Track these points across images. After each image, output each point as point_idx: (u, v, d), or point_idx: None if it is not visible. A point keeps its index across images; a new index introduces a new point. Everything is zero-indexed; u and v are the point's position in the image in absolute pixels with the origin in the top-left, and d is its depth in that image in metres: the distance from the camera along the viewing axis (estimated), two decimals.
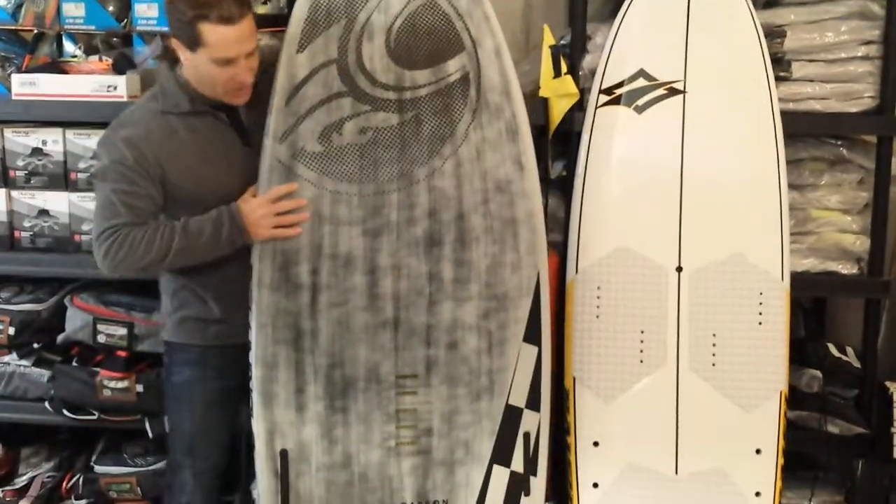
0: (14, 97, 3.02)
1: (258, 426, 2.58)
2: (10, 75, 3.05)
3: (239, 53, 2.32)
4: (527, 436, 2.69)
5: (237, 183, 2.48)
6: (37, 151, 3.10)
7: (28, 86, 3.00)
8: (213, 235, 2.39)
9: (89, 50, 3.22)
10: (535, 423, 2.70)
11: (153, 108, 2.45)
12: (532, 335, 2.64)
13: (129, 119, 2.45)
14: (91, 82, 2.97)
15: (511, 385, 2.64)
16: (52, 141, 3.06)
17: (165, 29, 2.60)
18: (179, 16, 2.29)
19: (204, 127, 2.47)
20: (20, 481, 3.34)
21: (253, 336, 2.54)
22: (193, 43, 2.30)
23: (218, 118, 2.49)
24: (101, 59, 3.11)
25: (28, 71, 3.11)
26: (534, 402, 2.68)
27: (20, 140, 3.09)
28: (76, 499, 3.27)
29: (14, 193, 3.12)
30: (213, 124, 2.48)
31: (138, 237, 2.35)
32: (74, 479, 3.31)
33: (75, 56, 3.21)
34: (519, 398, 2.66)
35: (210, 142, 2.47)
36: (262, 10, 3.04)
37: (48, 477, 3.36)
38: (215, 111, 2.48)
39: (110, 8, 3.13)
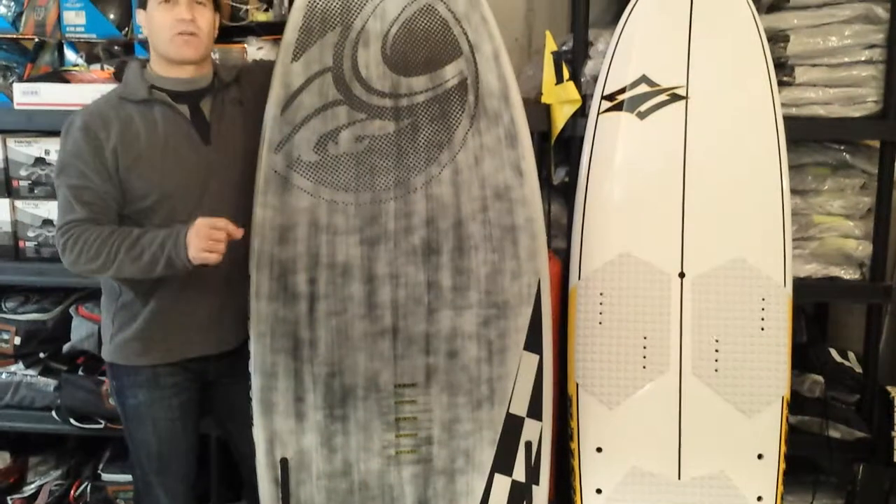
0: (16, 106, 2.94)
1: (258, 435, 2.50)
2: (11, 84, 2.97)
3: None
4: (528, 444, 2.60)
5: (189, 180, 2.34)
6: (40, 161, 3.00)
7: (30, 95, 2.92)
8: (157, 251, 2.22)
9: (91, 58, 3.13)
10: (537, 431, 2.61)
11: (113, 96, 2.40)
12: (533, 343, 2.55)
13: (91, 108, 2.39)
14: (93, 91, 2.83)
15: (512, 394, 2.55)
16: (55, 151, 2.88)
17: None
18: None
19: (161, 118, 2.36)
20: (28, 489, 3.27)
21: (252, 345, 2.46)
22: None
23: (177, 112, 2.37)
24: (102, 68, 3.04)
25: (30, 80, 3.04)
26: (535, 411, 2.59)
27: (23, 150, 3.00)
28: None
29: (18, 203, 3.03)
30: (170, 117, 2.36)
31: (91, 238, 2.24)
32: (82, 487, 3.24)
33: (77, 65, 3.14)
34: (520, 407, 2.57)
35: (165, 135, 2.35)
36: (262, 17, 2.97)
37: (56, 485, 3.28)
38: (176, 104, 2.37)
39: (111, 16, 3.05)
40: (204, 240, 2.18)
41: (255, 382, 2.46)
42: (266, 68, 2.47)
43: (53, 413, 3.09)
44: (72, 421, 3.07)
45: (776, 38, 2.87)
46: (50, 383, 3.11)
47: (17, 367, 3.14)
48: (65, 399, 3.06)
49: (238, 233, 2.23)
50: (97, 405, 3.03)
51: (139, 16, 2.41)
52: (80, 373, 3.09)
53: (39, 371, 3.14)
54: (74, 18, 3.03)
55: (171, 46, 2.33)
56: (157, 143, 2.33)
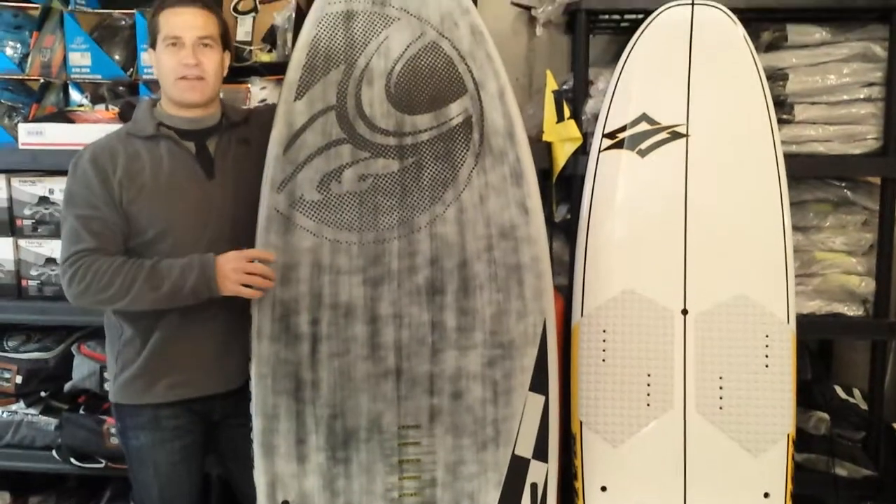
0: (21, 146, 2.90)
1: (259, 478, 2.41)
2: (16, 125, 2.95)
3: (184, 34, 2.27)
4: (534, 487, 2.50)
5: (192, 213, 2.31)
6: (44, 200, 2.97)
7: (35, 135, 2.88)
8: (178, 280, 2.21)
9: (96, 99, 3.12)
10: (543, 473, 2.51)
11: (122, 132, 2.38)
12: (539, 384, 2.46)
13: (99, 142, 2.36)
14: (98, 131, 2.77)
15: (517, 435, 2.46)
16: (59, 190, 2.91)
17: None
18: (150, 19, 2.36)
19: (166, 154, 2.32)
20: None
21: (253, 387, 2.37)
22: (154, 36, 2.32)
23: (182, 147, 2.33)
24: (107, 108, 3.03)
25: (35, 120, 3.00)
26: (541, 453, 2.50)
27: (27, 189, 2.96)
28: None
29: (21, 242, 3.00)
30: (176, 152, 2.33)
31: (103, 267, 2.21)
32: None
33: (82, 105, 3.12)
34: (525, 448, 2.48)
35: (169, 169, 2.31)
36: (266, 58, 2.95)
37: None
38: (181, 140, 2.34)
39: (116, 57, 3.04)
40: (240, 273, 2.20)
41: (257, 424, 2.37)
42: (274, 110, 2.43)
43: (54, 452, 3.03)
44: (72, 460, 3.01)
45: (775, 77, 2.84)
46: (51, 422, 3.05)
47: (19, 406, 3.07)
48: (66, 438, 3.00)
49: (271, 256, 2.28)
50: (98, 444, 2.96)
51: (148, 55, 2.38)
52: (82, 412, 3.03)
53: (40, 410, 3.08)
54: (80, 59, 3.02)
55: (175, 90, 2.31)
56: (161, 176, 2.30)
